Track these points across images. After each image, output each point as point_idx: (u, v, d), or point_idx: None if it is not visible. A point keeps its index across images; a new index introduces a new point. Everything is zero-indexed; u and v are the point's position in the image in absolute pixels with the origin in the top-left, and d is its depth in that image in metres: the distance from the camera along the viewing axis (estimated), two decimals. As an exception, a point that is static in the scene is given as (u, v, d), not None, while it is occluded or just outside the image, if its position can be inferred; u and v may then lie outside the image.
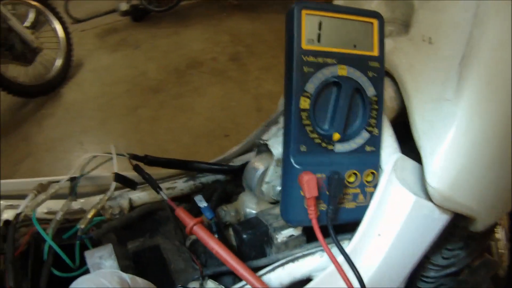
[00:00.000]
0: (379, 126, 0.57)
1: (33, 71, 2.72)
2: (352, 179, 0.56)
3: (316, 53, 0.53)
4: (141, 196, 0.82)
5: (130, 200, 0.81)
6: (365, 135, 0.56)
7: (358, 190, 0.57)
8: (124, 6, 3.62)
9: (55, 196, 0.73)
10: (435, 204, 0.56)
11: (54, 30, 2.81)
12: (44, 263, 0.62)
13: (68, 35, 2.89)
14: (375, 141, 0.57)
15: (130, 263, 0.66)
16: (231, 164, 0.85)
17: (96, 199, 0.80)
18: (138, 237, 0.74)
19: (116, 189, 0.75)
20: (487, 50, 0.53)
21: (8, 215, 0.73)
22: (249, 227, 0.65)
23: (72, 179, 0.73)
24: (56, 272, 0.62)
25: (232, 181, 0.85)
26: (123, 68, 3.15)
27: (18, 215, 0.64)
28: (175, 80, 2.97)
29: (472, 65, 0.53)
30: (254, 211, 0.72)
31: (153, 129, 2.49)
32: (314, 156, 0.54)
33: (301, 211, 0.55)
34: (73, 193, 0.70)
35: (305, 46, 0.52)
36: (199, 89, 2.86)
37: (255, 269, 0.57)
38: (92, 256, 0.58)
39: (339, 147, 0.55)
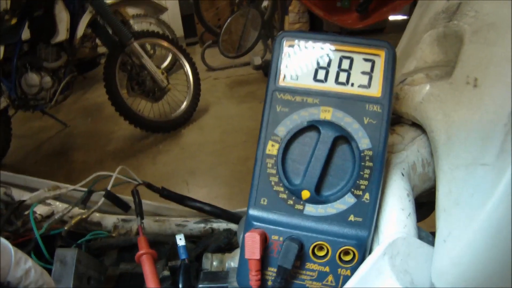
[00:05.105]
0: (372, 190, 0.43)
1: (159, 108, 3.03)
2: (321, 253, 0.44)
3: (294, 91, 0.44)
4: (152, 225, 0.83)
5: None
6: (349, 200, 0.43)
7: (327, 269, 0.43)
8: (257, 61, 3.85)
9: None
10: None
11: (186, 74, 3.12)
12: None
13: (198, 81, 3.18)
14: (364, 210, 0.43)
15: (99, 276, 0.68)
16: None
17: (113, 217, 0.84)
18: (134, 262, 0.74)
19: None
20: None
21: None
22: (211, 278, 0.58)
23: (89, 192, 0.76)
24: (33, 257, 0.65)
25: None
26: (246, 119, 3.28)
27: (21, 202, 0.74)
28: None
29: None
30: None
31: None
32: (276, 214, 0.44)
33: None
34: (79, 202, 0.74)
35: (281, 82, 0.45)
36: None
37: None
38: (60, 253, 0.64)
39: (310, 209, 0.44)
